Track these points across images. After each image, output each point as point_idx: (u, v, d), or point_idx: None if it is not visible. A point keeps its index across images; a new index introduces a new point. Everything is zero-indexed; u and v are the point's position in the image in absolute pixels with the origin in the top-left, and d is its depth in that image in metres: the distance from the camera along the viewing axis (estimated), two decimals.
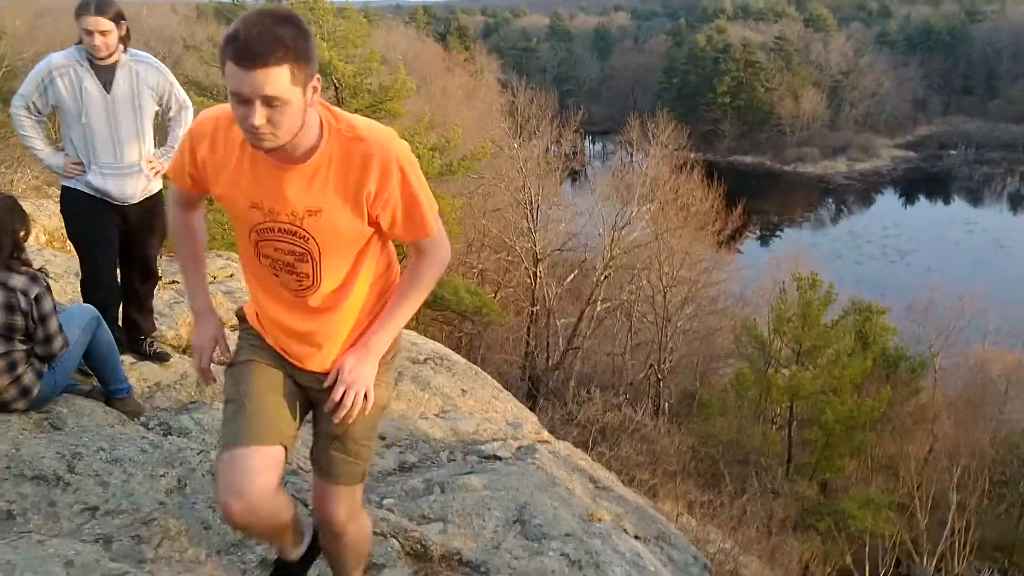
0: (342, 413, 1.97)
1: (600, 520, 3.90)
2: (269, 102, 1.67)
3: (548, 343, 22.93)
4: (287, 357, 2.05)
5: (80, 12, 3.33)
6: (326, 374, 2.03)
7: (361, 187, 1.83)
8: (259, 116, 1.68)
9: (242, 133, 1.77)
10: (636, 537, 4.10)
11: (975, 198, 59.30)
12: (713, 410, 20.37)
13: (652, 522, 4.64)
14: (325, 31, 15.10)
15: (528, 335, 22.69)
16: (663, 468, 14.08)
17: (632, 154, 31.68)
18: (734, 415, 20.24)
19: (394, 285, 2.09)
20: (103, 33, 3.32)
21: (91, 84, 3.40)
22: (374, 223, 1.90)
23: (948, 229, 49.49)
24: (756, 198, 43.83)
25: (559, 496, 3.91)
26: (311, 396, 2.10)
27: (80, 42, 3.38)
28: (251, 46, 1.64)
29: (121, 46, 3.42)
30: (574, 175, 42.06)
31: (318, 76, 1.75)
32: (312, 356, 2.04)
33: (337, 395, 1.96)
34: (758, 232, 48.84)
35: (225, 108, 1.87)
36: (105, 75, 3.42)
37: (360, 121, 1.88)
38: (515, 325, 22.92)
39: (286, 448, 1.99)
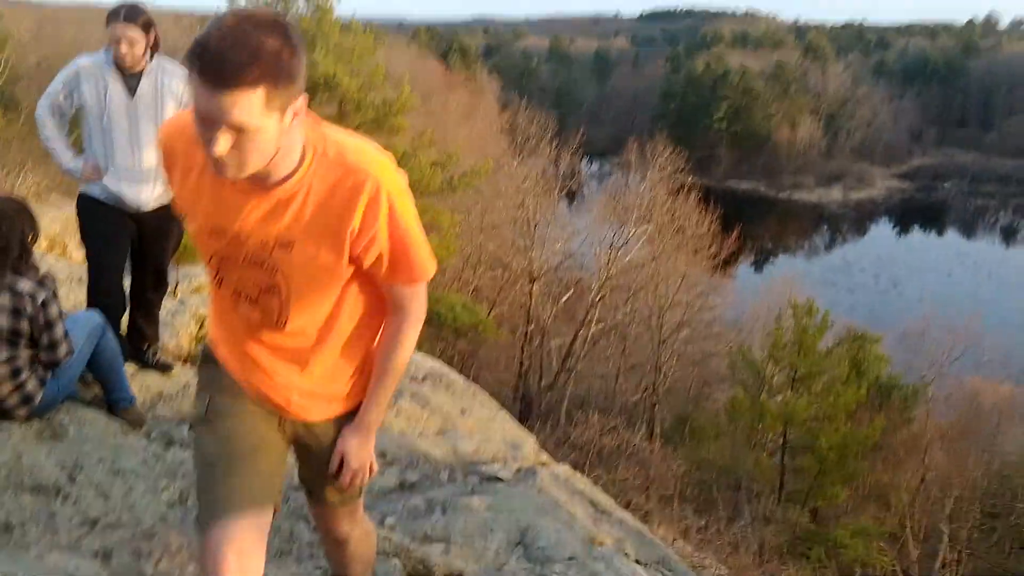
0: (351, 492, 1.97)
1: (602, 544, 3.87)
2: (236, 129, 1.40)
3: (542, 363, 22.88)
4: (262, 399, 1.83)
5: (110, 19, 3.36)
6: (305, 421, 1.90)
7: (344, 222, 1.59)
8: (223, 143, 1.41)
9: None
10: (637, 561, 4.07)
11: (969, 230, 59.71)
12: (706, 435, 20.33)
13: (652, 547, 4.60)
14: (331, 45, 15.15)
15: (522, 355, 22.64)
16: (658, 493, 14.02)
17: (628, 176, 31.81)
18: (727, 440, 20.20)
19: (380, 327, 1.88)
20: (130, 42, 3.33)
21: (116, 88, 3.42)
22: (355, 262, 1.66)
23: (941, 260, 49.77)
24: (751, 224, 43.99)
25: (561, 519, 3.88)
26: (289, 436, 1.92)
27: (110, 46, 3.39)
28: (221, 61, 1.34)
29: (149, 52, 3.43)
30: (571, 195, 42.21)
31: (304, 96, 1.47)
32: (290, 405, 1.83)
33: (346, 482, 1.92)
34: (752, 258, 48.98)
35: (186, 117, 1.58)
36: (131, 80, 3.44)
37: (350, 145, 1.61)
38: (508, 344, 22.88)
39: (275, 511, 1.84)
